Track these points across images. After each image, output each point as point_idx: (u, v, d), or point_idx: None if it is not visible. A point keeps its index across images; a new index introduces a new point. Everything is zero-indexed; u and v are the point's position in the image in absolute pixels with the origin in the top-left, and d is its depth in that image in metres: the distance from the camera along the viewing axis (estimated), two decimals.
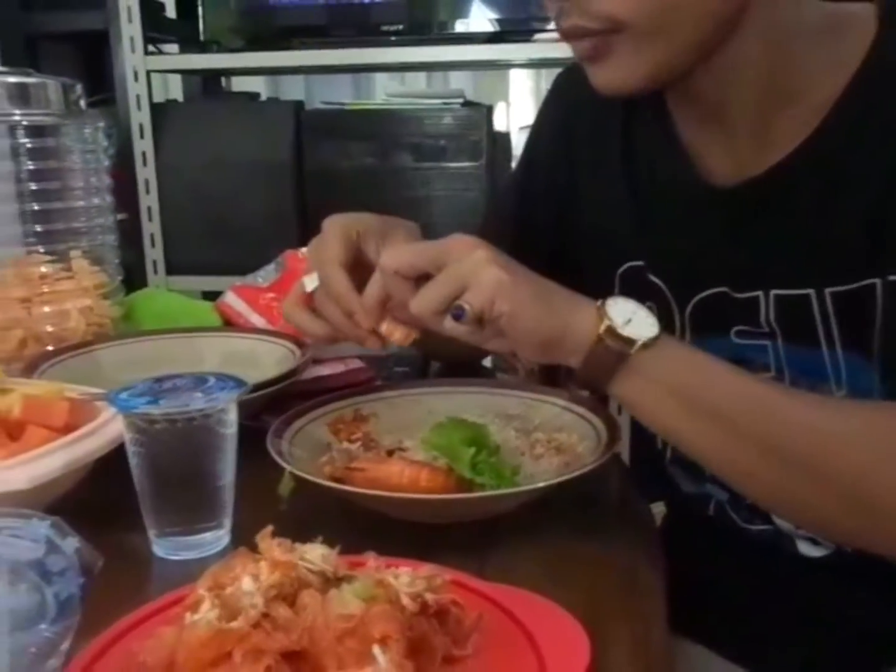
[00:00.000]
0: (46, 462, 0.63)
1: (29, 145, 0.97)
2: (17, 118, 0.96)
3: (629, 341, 0.61)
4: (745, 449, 0.62)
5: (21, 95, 0.97)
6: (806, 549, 0.77)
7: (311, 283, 0.73)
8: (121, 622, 0.51)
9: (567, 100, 0.89)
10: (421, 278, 0.65)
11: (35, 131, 0.98)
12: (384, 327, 0.70)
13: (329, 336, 0.74)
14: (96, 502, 0.66)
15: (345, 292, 0.70)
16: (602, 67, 0.67)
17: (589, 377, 0.64)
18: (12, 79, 0.96)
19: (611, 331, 0.62)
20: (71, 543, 0.49)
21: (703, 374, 0.63)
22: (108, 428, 0.68)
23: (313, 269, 0.73)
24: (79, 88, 1.03)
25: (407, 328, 0.70)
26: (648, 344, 0.62)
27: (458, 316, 0.62)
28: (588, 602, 0.56)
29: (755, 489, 0.65)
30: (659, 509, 0.97)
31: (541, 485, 0.67)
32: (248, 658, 0.44)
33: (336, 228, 0.73)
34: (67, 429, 0.69)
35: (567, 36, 0.67)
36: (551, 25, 1.80)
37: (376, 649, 0.45)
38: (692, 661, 0.82)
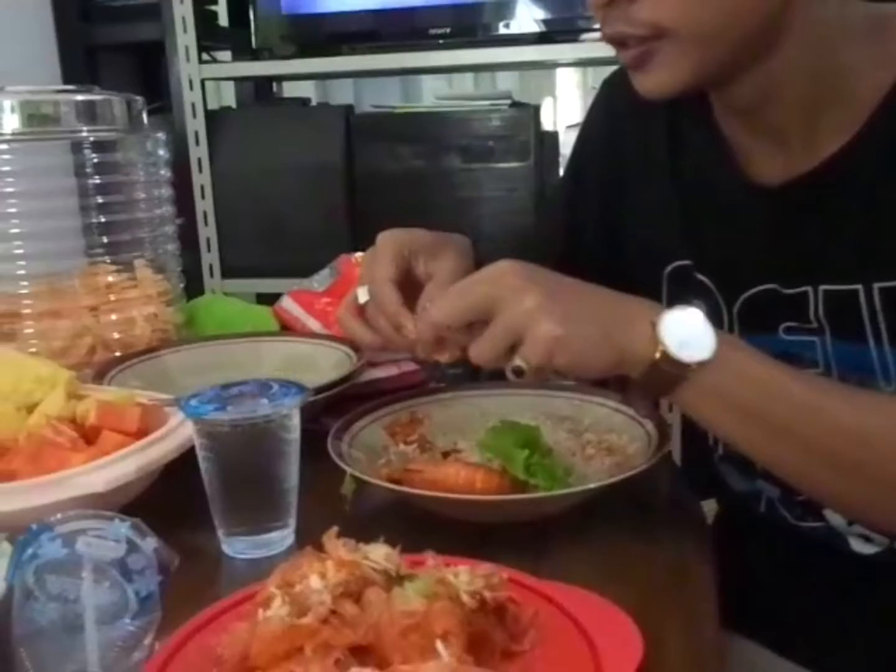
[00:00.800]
0: (121, 466, 0.66)
1: (95, 160, 1.01)
2: (83, 134, 1.00)
3: (684, 365, 0.62)
4: (805, 458, 0.64)
5: (87, 112, 1.00)
6: (858, 546, 0.78)
7: (363, 295, 0.76)
8: (197, 617, 0.54)
9: (613, 104, 0.90)
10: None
11: (100, 147, 1.01)
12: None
13: (379, 345, 0.77)
14: (167, 503, 0.69)
15: (394, 309, 0.73)
16: (646, 73, 0.68)
17: (647, 391, 0.65)
18: (79, 97, 1.00)
19: (666, 356, 0.62)
20: (150, 543, 0.52)
21: (758, 386, 0.64)
22: (177, 432, 0.71)
23: (365, 282, 0.76)
24: (141, 103, 1.07)
25: (456, 347, 0.72)
26: (705, 361, 0.62)
27: (519, 373, 0.63)
28: (640, 598, 0.58)
29: (813, 491, 0.67)
30: (711, 507, 0.98)
31: (592, 486, 0.68)
32: (318, 652, 0.47)
33: (388, 245, 0.75)
34: (139, 433, 0.72)
35: (612, 42, 0.69)
36: (598, 25, 1.81)
37: (439, 644, 0.47)
38: (745, 657, 0.83)
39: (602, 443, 0.79)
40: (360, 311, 0.77)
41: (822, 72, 0.69)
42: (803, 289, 0.72)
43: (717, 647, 0.59)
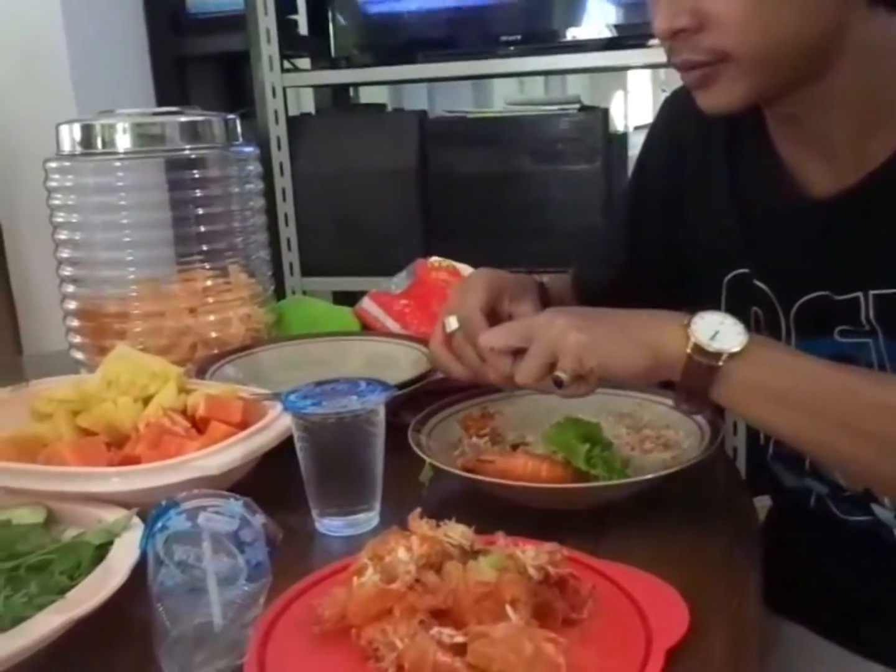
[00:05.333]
0: (231, 452, 0.75)
1: (195, 175, 1.11)
2: (186, 152, 1.10)
3: (717, 355, 0.68)
4: (837, 435, 0.68)
5: (189, 132, 1.10)
6: None
7: (451, 324, 0.83)
8: (300, 583, 0.63)
9: (675, 118, 0.95)
10: (518, 350, 0.75)
11: (200, 163, 1.11)
12: None
13: (469, 378, 0.84)
14: (266, 486, 0.76)
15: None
16: (708, 92, 0.75)
17: (688, 389, 0.71)
18: (182, 118, 1.10)
19: (698, 348, 0.69)
20: (259, 519, 0.60)
21: (790, 372, 0.69)
22: (276, 424, 0.80)
23: (454, 312, 0.83)
24: (235, 121, 1.16)
25: None
26: (736, 353, 0.69)
27: (560, 384, 0.72)
28: (689, 578, 0.64)
29: (858, 472, 0.73)
30: (766, 502, 1.03)
31: (648, 476, 0.75)
32: (405, 614, 0.55)
33: (480, 279, 0.84)
34: (242, 424, 0.81)
35: (678, 68, 0.76)
36: None
37: (508, 608, 0.55)
38: (793, 640, 0.89)
39: (659, 438, 0.86)
40: (448, 339, 0.84)
41: (872, 89, 0.74)
42: (855, 294, 0.77)
43: (757, 623, 0.65)
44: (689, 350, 0.69)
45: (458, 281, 0.87)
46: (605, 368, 0.71)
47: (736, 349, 0.69)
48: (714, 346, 0.69)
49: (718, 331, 0.69)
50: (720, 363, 0.68)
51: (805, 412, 0.69)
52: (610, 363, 0.71)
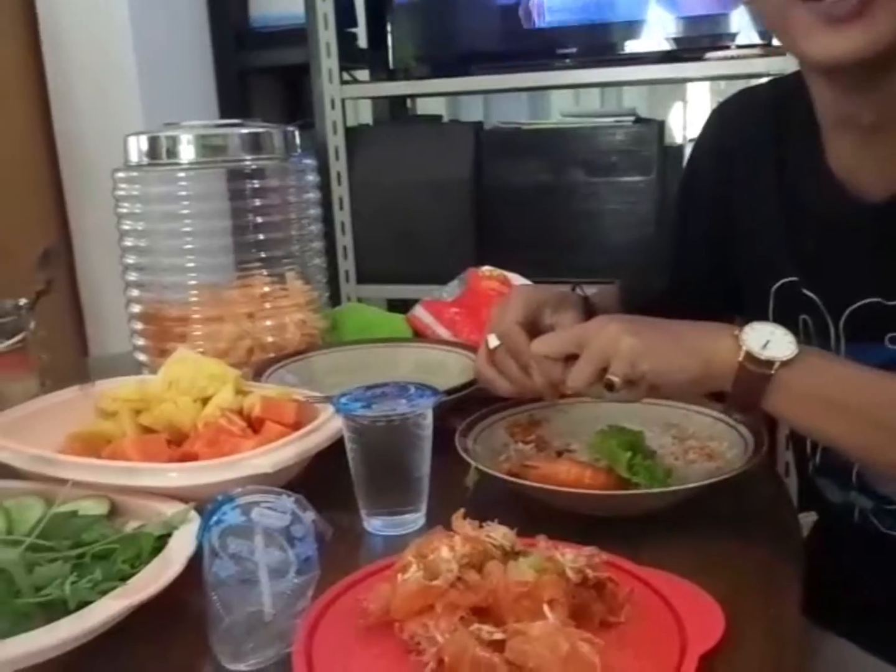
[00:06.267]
0: (285, 451, 0.78)
1: (255, 185, 1.15)
2: (247, 163, 1.14)
3: (769, 363, 0.70)
4: (886, 441, 0.69)
5: (250, 143, 1.14)
6: None
7: (493, 340, 0.86)
8: (347, 578, 0.66)
9: (725, 128, 0.95)
10: (569, 357, 0.77)
11: (260, 173, 1.15)
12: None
13: (513, 393, 0.86)
14: (317, 485, 0.79)
15: (521, 348, 0.82)
16: (854, 27, 0.67)
17: (740, 399, 0.72)
18: (244, 130, 1.14)
19: (750, 356, 0.70)
20: (309, 516, 0.63)
21: (840, 380, 0.71)
22: (328, 426, 0.83)
23: (494, 329, 0.86)
24: (296, 134, 1.20)
25: None
26: (787, 361, 0.70)
27: (611, 387, 0.73)
28: (728, 588, 0.65)
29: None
30: (811, 519, 1.03)
31: (689, 486, 0.76)
32: (446, 610, 0.57)
33: (518, 296, 0.86)
34: (296, 425, 0.84)
35: None
36: (725, 42, 1.85)
37: (546, 608, 0.56)
38: (835, 652, 0.88)
39: (703, 448, 0.87)
40: (491, 356, 0.87)
41: None
42: None
43: (797, 634, 0.66)
44: (741, 359, 0.70)
45: (505, 294, 0.89)
46: (657, 373, 0.73)
47: (787, 357, 0.70)
48: (766, 354, 0.70)
49: (769, 340, 0.71)
50: (772, 371, 0.70)
51: (855, 418, 0.70)
52: (662, 368, 0.73)
